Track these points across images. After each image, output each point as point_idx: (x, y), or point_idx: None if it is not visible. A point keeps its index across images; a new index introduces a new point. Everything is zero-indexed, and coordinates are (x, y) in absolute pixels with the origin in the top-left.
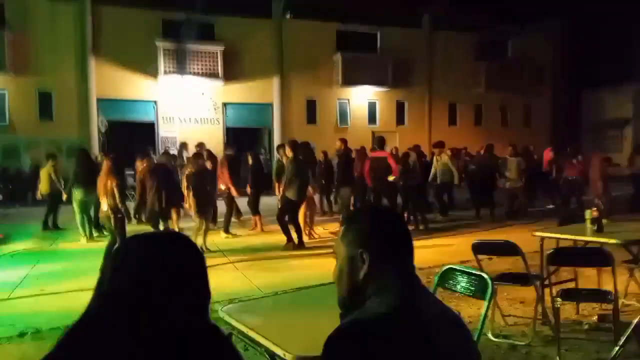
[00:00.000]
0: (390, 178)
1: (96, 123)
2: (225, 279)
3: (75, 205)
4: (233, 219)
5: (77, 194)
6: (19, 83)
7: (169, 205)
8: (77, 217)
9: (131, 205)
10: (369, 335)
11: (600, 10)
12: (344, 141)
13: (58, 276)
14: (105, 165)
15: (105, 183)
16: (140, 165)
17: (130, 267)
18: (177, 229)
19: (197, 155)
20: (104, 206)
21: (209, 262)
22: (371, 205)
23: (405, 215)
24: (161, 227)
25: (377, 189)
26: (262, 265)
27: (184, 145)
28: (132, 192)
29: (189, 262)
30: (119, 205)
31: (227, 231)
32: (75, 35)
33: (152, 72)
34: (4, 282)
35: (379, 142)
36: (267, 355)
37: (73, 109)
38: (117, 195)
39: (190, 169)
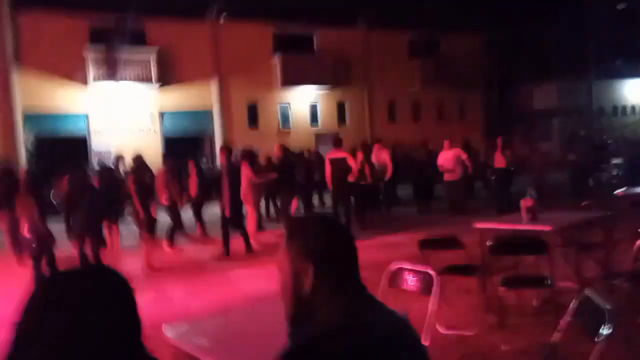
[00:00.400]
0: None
1: (22, 138)
2: (171, 297)
3: (2, 227)
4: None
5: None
6: None
7: (98, 223)
8: (5, 239)
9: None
10: (320, 355)
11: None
12: (281, 147)
13: None
14: (24, 183)
15: (24, 203)
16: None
17: (59, 309)
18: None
19: (141, 168)
20: (24, 228)
21: (154, 280)
22: (313, 216)
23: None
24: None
25: (338, 191)
26: (209, 280)
27: (119, 159)
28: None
29: (121, 299)
30: (38, 227)
31: (172, 241)
32: None
33: (82, 81)
34: None
35: (336, 142)
36: None
37: None
38: (35, 216)
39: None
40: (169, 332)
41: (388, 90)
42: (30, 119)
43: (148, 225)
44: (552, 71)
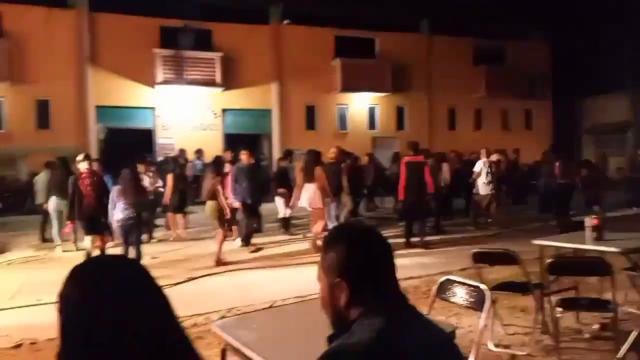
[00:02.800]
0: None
1: (94, 131)
2: (225, 289)
3: (52, 215)
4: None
5: (51, 203)
6: (16, 91)
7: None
8: (54, 226)
9: None
10: None
11: (595, 17)
12: (339, 150)
13: (55, 286)
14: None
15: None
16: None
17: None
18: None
19: (219, 163)
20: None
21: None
22: (349, 228)
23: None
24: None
25: (412, 198)
26: (266, 274)
27: (182, 152)
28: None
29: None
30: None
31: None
32: (72, 43)
33: (150, 79)
34: (1, 293)
35: (414, 146)
36: None
37: (71, 117)
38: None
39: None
40: (217, 325)
41: (449, 97)
42: (102, 111)
43: (225, 221)
44: (626, 81)
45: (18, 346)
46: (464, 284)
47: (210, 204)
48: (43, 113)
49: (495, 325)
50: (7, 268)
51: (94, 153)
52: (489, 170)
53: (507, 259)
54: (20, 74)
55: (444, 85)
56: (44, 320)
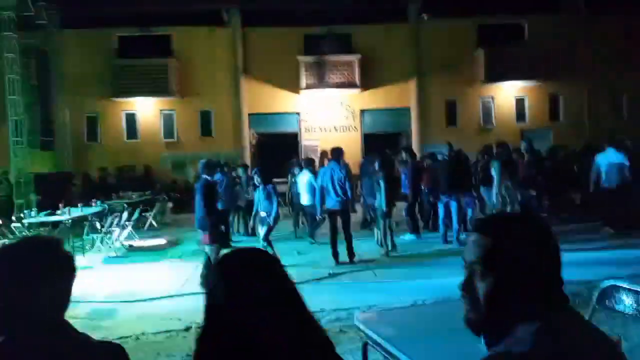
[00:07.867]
0: None
1: (248, 136)
2: (367, 286)
3: None
4: None
5: None
6: (184, 104)
7: None
8: None
9: None
10: None
11: None
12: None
13: None
14: None
15: None
16: None
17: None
18: None
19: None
20: None
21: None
22: (503, 216)
23: None
24: None
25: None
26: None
27: (324, 154)
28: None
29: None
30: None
31: None
32: (229, 57)
33: (295, 85)
34: (174, 281)
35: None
36: None
37: (228, 125)
38: None
39: None
40: (359, 320)
41: (615, 82)
42: (254, 118)
43: None
44: None
45: (188, 329)
46: (632, 291)
47: None
48: (206, 123)
49: None
50: (179, 260)
51: (248, 157)
52: None
53: None
54: (186, 89)
55: (608, 69)
56: None
